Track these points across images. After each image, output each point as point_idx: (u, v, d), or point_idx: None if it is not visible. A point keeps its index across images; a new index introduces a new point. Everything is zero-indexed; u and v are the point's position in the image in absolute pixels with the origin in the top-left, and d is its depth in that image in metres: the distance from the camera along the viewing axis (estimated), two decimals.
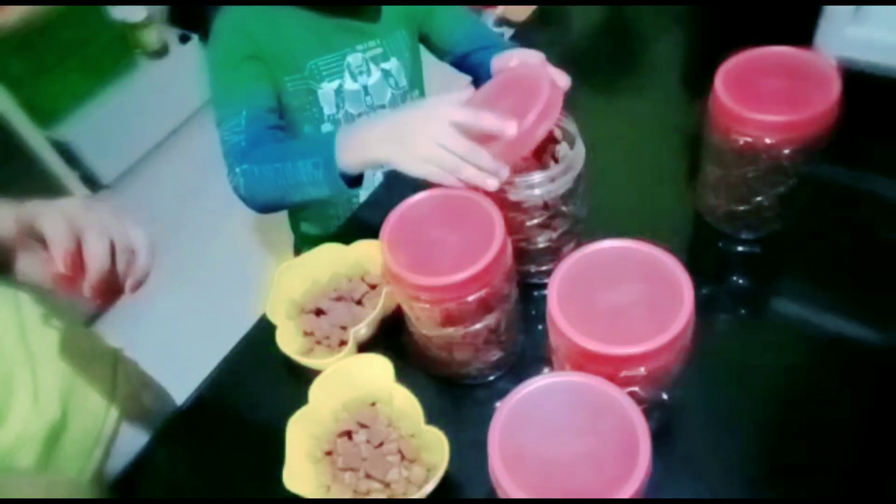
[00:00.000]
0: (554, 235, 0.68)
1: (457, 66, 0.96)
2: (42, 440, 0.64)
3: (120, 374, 0.79)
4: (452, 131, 0.60)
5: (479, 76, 0.94)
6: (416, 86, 1.01)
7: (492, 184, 0.59)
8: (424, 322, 0.62)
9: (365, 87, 0.94)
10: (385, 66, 0.94)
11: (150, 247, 0.55)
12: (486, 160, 0.59)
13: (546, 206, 0.64)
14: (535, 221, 0.66)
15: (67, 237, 0.49)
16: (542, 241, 0.68)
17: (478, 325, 0.61)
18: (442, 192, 0.63)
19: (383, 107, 0.97)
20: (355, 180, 0.72)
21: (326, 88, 0.91)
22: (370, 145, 0.66)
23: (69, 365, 0.69)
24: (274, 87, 0.88)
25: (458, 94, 0.67)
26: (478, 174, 0.60)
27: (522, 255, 0.69)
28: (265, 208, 0.81)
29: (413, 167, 0.63)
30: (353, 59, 0.92)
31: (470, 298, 0.57)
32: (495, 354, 0.66)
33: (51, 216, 0.49)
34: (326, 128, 0.95)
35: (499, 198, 0.62)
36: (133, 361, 0.85)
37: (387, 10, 0.92)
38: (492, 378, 0.68)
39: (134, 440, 0.75)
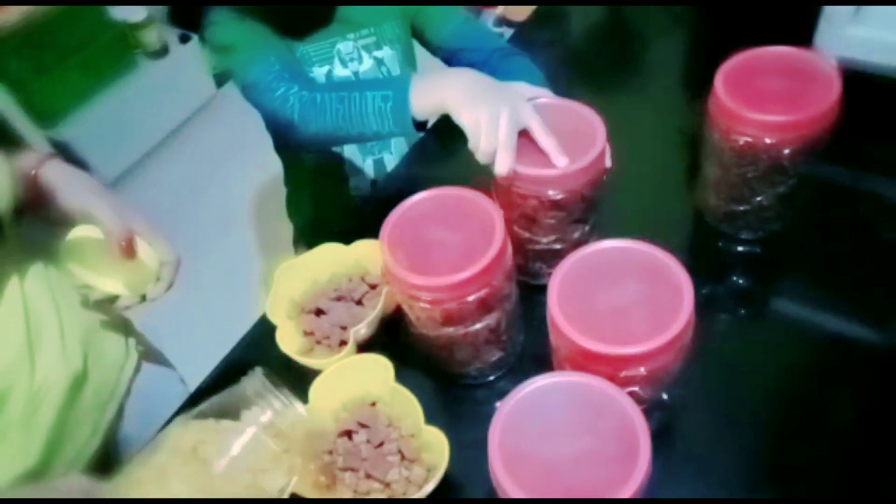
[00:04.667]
0: (587, 228, 0.68)
1: (447, 63, 0.97)
2: (66, 387, 0.66)
3: (132, 334, 0.82)
4: (511, 120, 0.61)
5: None
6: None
7: (500, 167, 0.61)
8: (424, 322, 0.62)
9: (356, 74, 0.94)
10: (378, 54, 0.95)
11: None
12: (508, 160, 0.61)
13: (583, 199, 0.64)
14: (574, 216, 0.66)
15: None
16: (576, 237, 0.68)
17: (478, 325, 0.61)
18: (442, 192, 0.63)
19: None
20: (421, 124, 0.70)
21: (316, 73, 0.92)
22: (443, 87, 0.65)
23: (90, 317, 0.72)
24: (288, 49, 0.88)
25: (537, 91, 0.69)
26: (492, 157, 0.61)
27: (556, 255, 0.69)
28: (315, 137, 0.77)
29: (466, 112, 0.62)
30: (344, 46, 0.93)
31: (470, 298, 0.57)
32: (495, 354, 0.66)
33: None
34: None
35: (538, 198, 0.63)
36: (141, 333, 0.87)
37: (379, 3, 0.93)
38: (492, 378, 0.68)
39: (139, 431, 0.76)
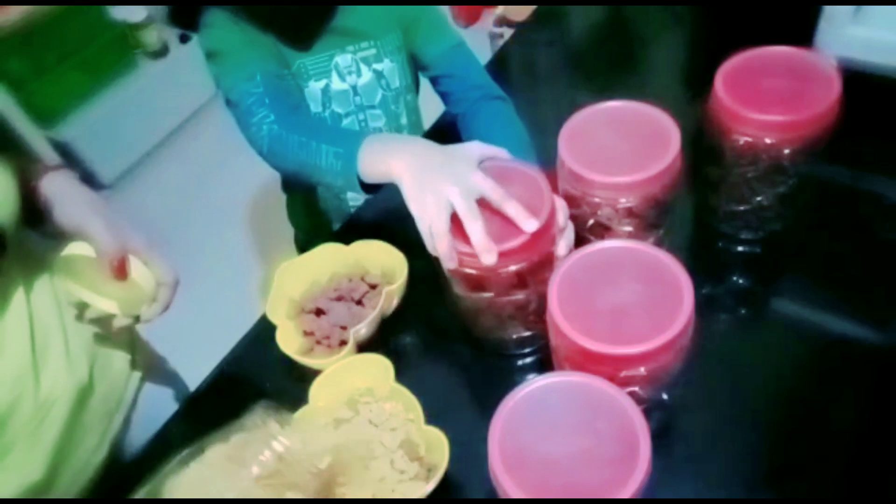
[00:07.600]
0: (661, 233, 0.68)
1: (432, 84, 0.94)
2: (72, 399, 0.66)
3: (138, 346, 0.82)
4: (466, 190, 0.58)
5: (445, 103, 0.93)
6: (411, 89, 1.00)
7: (488, 259, 0.56)
8: (459, 283, 0.62)
9: (354, 87, 0.93)
10: (378, 66, 0.93)
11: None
12: (477, 237, 0.56)
13: (657, 204, 0.63)
14: (648, 221, 0.65)
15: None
16: (651, 243, 0.67)
17: (509, 297, 0.61)
18: (498, 164, 0.63)
19: (373, 107, 0.95)
20: (372, 186, 0.68)
21: (313, 87, 0.91)
22: (391, 158, 0.63)
23: (94, 331, 0.72)
24: (279, 63, 0.87)
25: (490, 151, 0.63)
26: (448, 251, 0.57)
27: None
28: (282, 172, 0.80)
29: (414, 203, 0.59)
30: (342, 59, 0.91)
31: (508, 270, 0.57)
32: (520, 331, 0.66)
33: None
34: None
35: (611, 206, 0.62)
36: (146, 341, 0.87)
37: (382, 13, 0.91)
38: (517, 352, 0.69)
39: (144, 429, 0.76)
